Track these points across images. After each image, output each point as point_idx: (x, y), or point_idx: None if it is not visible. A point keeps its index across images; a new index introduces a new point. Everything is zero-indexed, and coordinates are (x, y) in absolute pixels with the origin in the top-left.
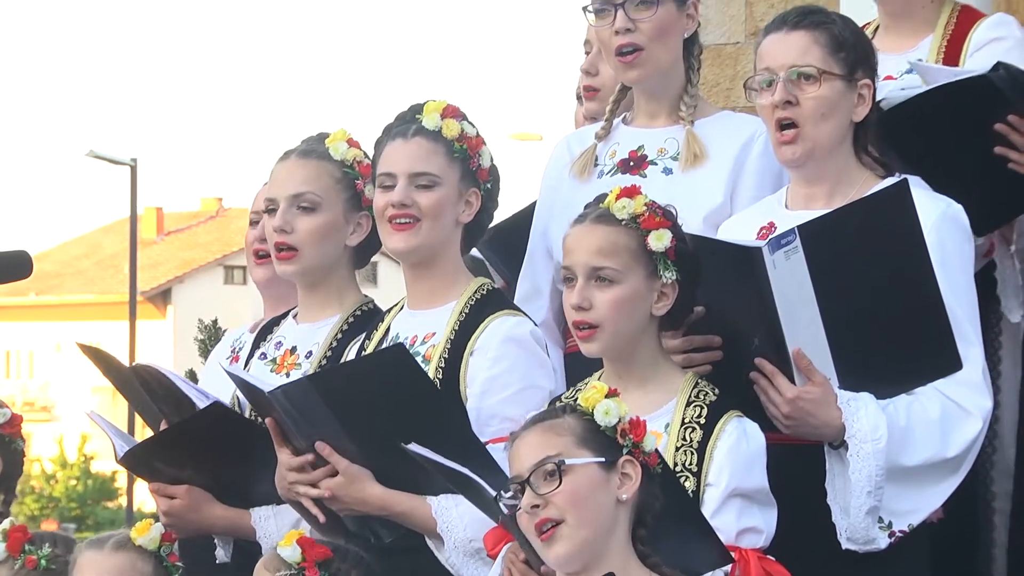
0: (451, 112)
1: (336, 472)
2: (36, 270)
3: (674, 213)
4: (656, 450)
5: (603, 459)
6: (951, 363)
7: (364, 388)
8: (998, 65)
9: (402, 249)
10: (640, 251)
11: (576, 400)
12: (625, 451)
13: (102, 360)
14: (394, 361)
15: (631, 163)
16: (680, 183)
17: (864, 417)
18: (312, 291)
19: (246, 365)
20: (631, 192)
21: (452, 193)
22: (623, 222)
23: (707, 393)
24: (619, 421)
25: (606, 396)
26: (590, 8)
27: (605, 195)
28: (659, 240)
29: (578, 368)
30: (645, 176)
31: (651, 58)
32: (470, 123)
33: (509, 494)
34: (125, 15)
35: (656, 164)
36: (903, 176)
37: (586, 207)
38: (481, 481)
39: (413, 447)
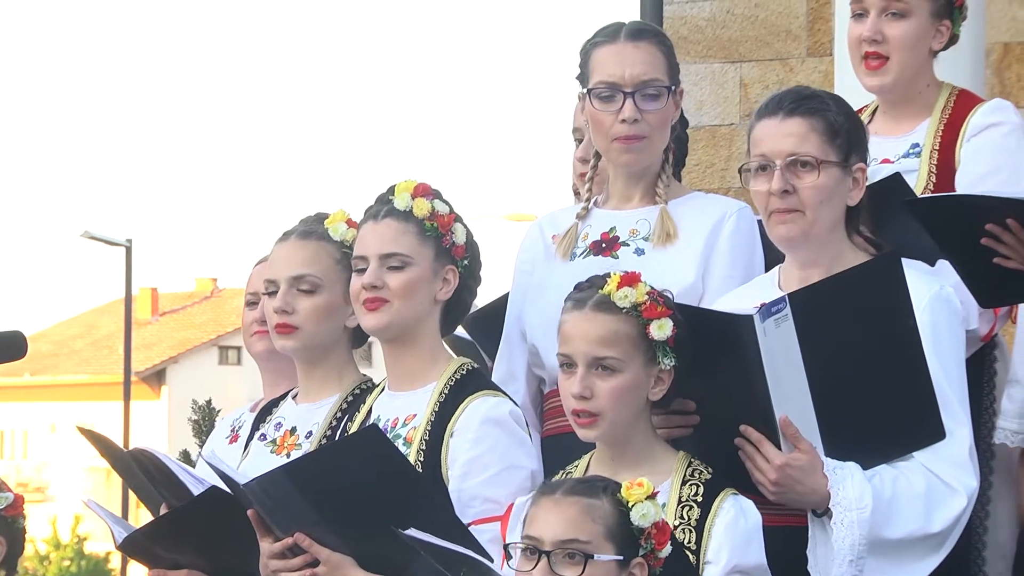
0: (422, 191)
1: (317, 562)
2: (31, 350)
3: (671, 298)
4: (674, 537)
5: (622, 558)
6: (934, 432)
7: (340, 474)
8: None
9: (373, 327)
10: (640, 339)
11: (619, 487)
12: (642, 552)
13: (102, 444)
14: (368, 442)
15: (603, 244)
16: (652, 262)
17: (850, 486)
18: (311, 371)
19: (246, 446)
20: (632, 280)
21: (425, 272)
22: (624, 310)
23: (702, 472)
24: (650, 525)
25: (648, 497)
26: (596, 92)
27: (599, 278)
28: (661, 329)
29: (556, 452)
30: (617, 257)
31: (650, 146)
32: (443, 201)
33: (520, 548)
34: (119, 96)
35: (628, 245)
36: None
37: (578, 289)
38: (484, 560)
39: (411, 532)
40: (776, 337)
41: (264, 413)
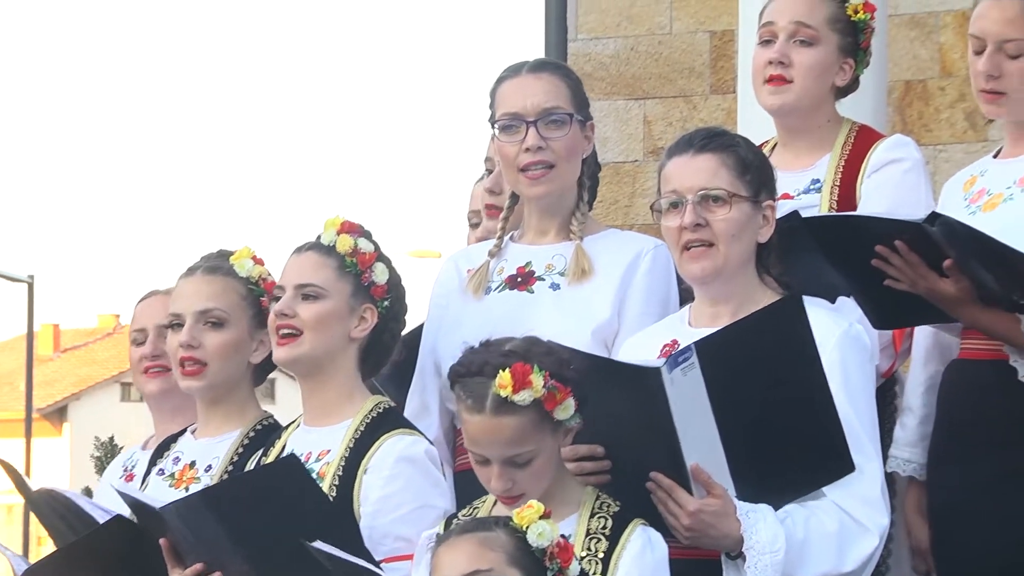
0: (348, 228)
1: None
2: None
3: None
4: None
5: None
6: (843, 466)
7: (256, 503)
8: (934, 215)
9: (284, 359)
10: (545, 420)
11: (510, 517)
12: (550, 575)
13: (19, 481)
14: (286, 473)
15: (519, 279)
16: (568, 298)
17: (763, 529)
18: (213, 407)
19: (143, 482)
20: (523, 378)
21: (341, 307)
22: (526, 407)
23: (610, 504)
24: (549, 544)
25: (540, 517)
26: (500, 124)
27: (489, 366)
28: (565, 411)
29: (469, 486)
30: (533, 292)
31: (559, 176)
32: (369, 240)
33: None
34: (18, 131)
35: (544, 280)
36: (784, 289)
37: (466, 368)
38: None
39: (318, 544)
40: (684, 386)
41: (162, 448)
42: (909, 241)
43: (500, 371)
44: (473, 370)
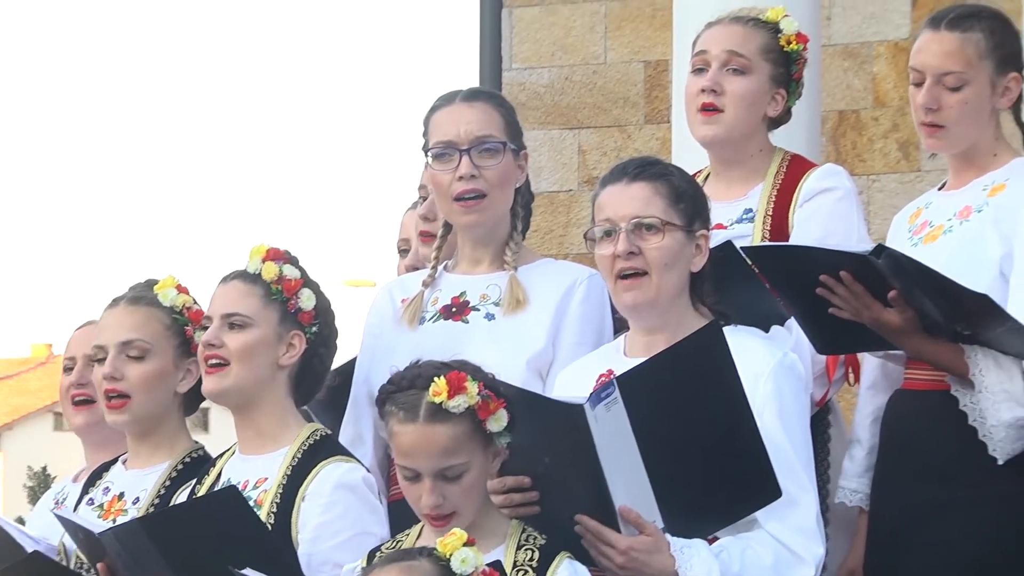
0: (272, 255)
1: None
2: None
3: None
4: None
5: None
6: (770, 492)
7: (195, 531)
8: (880, 248)
9: (211, 391)
10: (477, 431)
11: (434, 547)
12: None
13: None
14: (226, 503)
15: (453, 309)
16: (502, 328)
17: (697, 564)
18: (142, 439)
19: (75, 511)
20: (459, 384)
21: (268, 335)
22: (460, 415)
23: (536, 537)
24: (473, 571)
25: (464, 544)
26: (433, 152)
27: (420, 378)
28: (498, 422)
29: (404, 515)
30: (467, 322)
31: (492, 205)
32: (294, 266)
33: None
34: None
35: (478, 310)
36: (718, 319)
37: (396, 386)
38: None
39: (247, 572)
40: (607, 421)
41: (94, 477)
42: (854, 272)
43: (435, 379)
44: (404, 385)
